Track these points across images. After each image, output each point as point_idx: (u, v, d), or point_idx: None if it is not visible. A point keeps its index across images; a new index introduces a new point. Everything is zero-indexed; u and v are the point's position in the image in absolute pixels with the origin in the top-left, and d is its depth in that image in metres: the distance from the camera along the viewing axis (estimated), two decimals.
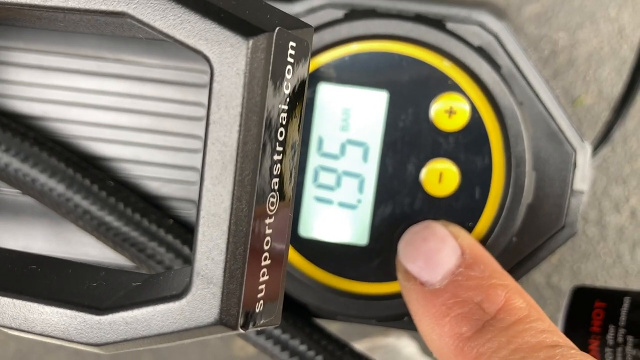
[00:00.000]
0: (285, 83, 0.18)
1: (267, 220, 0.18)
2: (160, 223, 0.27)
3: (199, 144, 0.28)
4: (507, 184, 0.26)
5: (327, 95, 0.26)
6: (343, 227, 0.27)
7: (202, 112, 0.28)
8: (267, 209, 0.18)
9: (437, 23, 0.26)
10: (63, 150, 0.27)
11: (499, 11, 0.29)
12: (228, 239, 0.17)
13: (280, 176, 0.18)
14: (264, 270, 0.18)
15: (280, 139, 0.18)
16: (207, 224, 0.17)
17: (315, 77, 0.26)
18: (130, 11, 0.17)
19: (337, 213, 0.27)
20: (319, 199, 0.27)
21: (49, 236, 0.29)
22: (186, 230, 0.28)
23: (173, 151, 0.29)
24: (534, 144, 0.27)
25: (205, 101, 0.28)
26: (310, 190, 0.27)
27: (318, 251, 0.27)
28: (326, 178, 0.27)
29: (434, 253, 0.24)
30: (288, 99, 0.18)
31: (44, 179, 0.27)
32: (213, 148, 0.16)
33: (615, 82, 0.53)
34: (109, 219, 0.27)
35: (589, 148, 0.28)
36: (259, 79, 0.16)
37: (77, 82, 0.29)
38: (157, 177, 0.29)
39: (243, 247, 0.17)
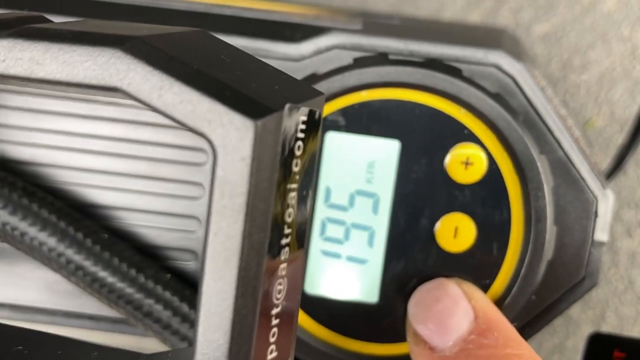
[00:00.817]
0: (295, 161, 0.16)
1: (274, 311, 0.16)
2: (157, 279, 0.25)
3: (197, 191, 0.27)
4: (526, 240, 0.24)
5: (336, 144, 0.25)
6: (352, 283, 0.25)
7: (201, 157, 0.27)
8: (274, 299, 0.16)
9: (452, 69, 0.24)
10: (54, 200, 0.26)
11: (515, 50, 0.27)
12: (231, 339, 0.15)
13: (289, 260, 0.17)
14: None
15: (289, 220, 0.16)
16: (208, 323, 0.15)
17: (323, 126, 0.25)
18: (125, 87, 0.15)
19: (345, 268, 0.25)
20: (326, 253, 0.25)
21: (41, 288, 0.28)
22: (184, 285, 0.26)
23: (171, 198, 0.27)
24: (555, 192, 0.26)
25: (204, 145, 0.27)
26: (317, 244, 0.25)
27: (325, 309, 0.25)
28: (334, 231, 0.25)
29: (446, 317, 0.23)
30: (298, 177, 0.16)
31: (33, 232, 0.25)
32: (215, 240, 0.15)
33: (627, 104, 0.52)
34: (103, 274, 0.25)
35: (611, 196, 0.27)
36: (266, 164, 0.15)
37: (68, 125, 0.27)
38: (154, 226, 0.27)
39: (248, 348, 0.15)
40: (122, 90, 0.15)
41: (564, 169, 0.26)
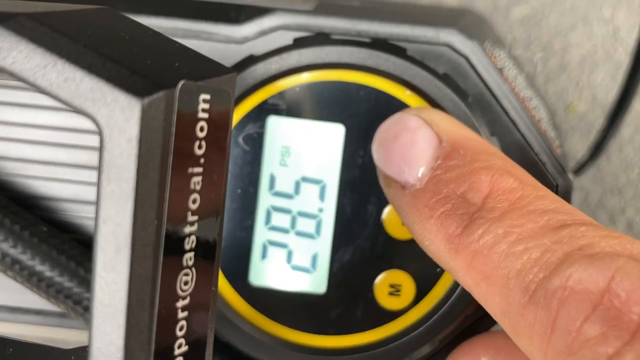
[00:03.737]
0: (197, 143, 0.15)
1: (180, 303, 0.15)
2: None
3: None
4: None
5: (278, 129, 0.24)
6: (298, 273, 0.24)
7: None
8: (179, 290, 0.15)
9: (397, 49, 0.23)
10: None
11: (480, 30, 0.26)
12: (126, 333, 0.14)
13: (197, 249, 0.16)
14: (179, 359, 0.16)
15: (194, 207, 0.15)
16: (101, 316, 0.14)
17: (265, 110, 0.24)
18: (8, 66, 0.14)
19: (291, 258, 0.24)
20: (272, 243, 0.24)
21: None
22: None
23: None
24: None
25: None
26: (262, 234, 0.24)
27: (271, 301, 0.24)
28: (280, 220, 0.24)
29: (408, 149, 0.21)
30: (203, 160, 0.15)
31: None
32: (104, 228, 0.14)
33: (610, 88, 0.50)
34: (41, 268, 0.24)
35: (572, 180, 0.26)
36: (156, 145, 0.14)
37: (8, 115, 0.26)
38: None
39: (145, 340, 0.14)
40: (6, 70, 0.14)
41: (521, 152, 0.25)
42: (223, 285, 0.24)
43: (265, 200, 0.24)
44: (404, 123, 0.21)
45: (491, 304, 0.19)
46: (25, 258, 0.24)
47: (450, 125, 0.22)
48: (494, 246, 0.19)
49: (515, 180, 0.20)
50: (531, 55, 0.48)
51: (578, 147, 0.53)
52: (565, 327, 0.17)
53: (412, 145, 0.21)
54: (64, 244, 0.25)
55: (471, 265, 0.19)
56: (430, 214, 0.20)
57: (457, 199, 0.20)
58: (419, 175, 0.21)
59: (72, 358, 0.17)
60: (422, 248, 0.21)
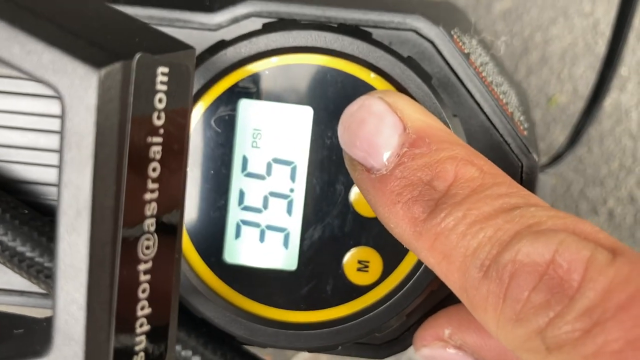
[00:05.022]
0: (155, 114, 0.16)
1: (142, 267, 0.16)
2: None
3: None
4: None
5: (249, 112, 0.25)
6: (271, 251, 0.25)
7: None
8: (141, 254, 0.16)
9: (362, 33, 0.24)
10: None
11: (443, 16, 0.27)
12: (88, 292, 0.15)
13: (158, 216, 0.17)
14: (142, 320, 0.16)
15: (154, 175, 0.16)
16: (64, 276, 0.15)
17: (236, 93, 0.25)
18: None
19: (264, 237, 0.25)
20: (245, 222, 0.25)
21: None
22: None
23: None
24: None
25: None
26: (235, 213, 0.25)
27: (244, 278, 0.25)
28: (252, 200, 0.25)
29: (374, 135, 0.22)
30: (162, 131, 0.16)
31: None
32: (66, 192, 0.15)
33: (590, 80, 0.51)
34: (23, 249, 0.25)
35: (536, 159, 0.26)
36: (113, 114, 0.15)
37: None
38: None
39: (106, 300, 0.15)
40: None
41: (486, 134, 0.26)
42: (198, 263, 0.25)
43: (238, 181, 0.25)
44: (368, 107, 0.22)
45: (451, 281, 0.20)
46: (7, 239, 0.25)
47: (413, 112, 0.22)
48: (454, 228, 0.20)
49: (477, 169, 0.21)
50: (513, 49, 0.49)
51: (560, 138, 0.54)
52: (514, 297, 0.18)
53: (377, 131, 0.22)
54: (45, 226, 0.26)
55: (433, 246, 0.20)
56: (396, 199, 0.21)
57: (424, 186, 0.21)
58: (384, 160, 0.22)
59: (44, 324, 0.18)
60: (386, 227, 0.22)
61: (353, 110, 0.23)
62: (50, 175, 0.27)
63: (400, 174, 0.21)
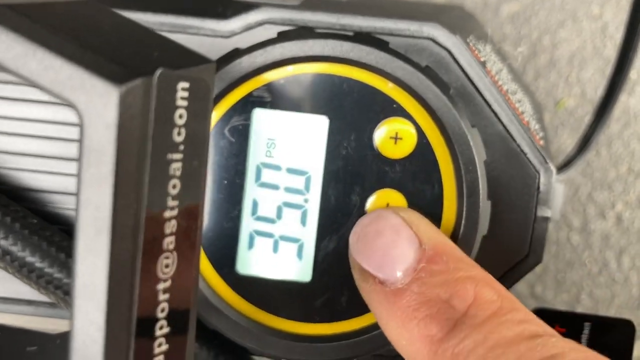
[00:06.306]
0: (176, 130, 0.16)
1: (161, 286, 0.16)
2: None
3: None
4: (459, 215, 0.24)
5: (263, 121, 0.24)
6: (285, 262, 0.25)
7: None
8: (160, 273, 0.16)
9: (379, 42, 0.24)
10: None
11: (458, 23, 0.27)
12: (107, 313, 0.15)
13: (177, 233, 0.16)
14: (161, 340, 0.16)
15: (174, 192, 0.16)
16: (82, 296, 0.15)
17: (250, 102, 0.24)
18: None
19: (278, 247, 0.25)
20: (259, 233, 0.25)
21: None
22: None
23: None
24: (492, 167, 0.25)
25: None
26: (248, 224, 0.25)
27: (257, 290, 0.25)
28: (266, 210, 0.25)
29: (390, 248, 0.22)
30: (182, 147, 0.16)
31: None
32: (84, 211, 0.14)
33: (599, 84, 0.51)
34: (32, 259, 0.25)
35: (553, 169, 0.26)
36: (134, 131, 0.14)
37: None
38: None
39: (125, 321, 0.15)
40: None
41: (503, 143, 0.25)
42: (211, 274, 0.25)
43: (251, 191, 0.25)
44: (385, 221, 0.22)
45: None
46: (16, 249, 0.25)
47: (428, 228, 0.23)
48: (473, 350, 0.20)
49: (495, 293, 0.21)
50: (521, 52, 0.48)
51: (568, 142, 0.53)
52: None
53: (393, 243, 0.22)
54: (54, 236, 0.25)
55: None
56: (413, 315, 0.21)
57: (443, 304, 0.21)
58: (399, 274, 0.22)
59: (58, 341, 0.18)
60: (393, 344, 0.22)
61: (369, 221, 0.23)
62: (58, 183, 0.27)
63: (417, 289, 0.21)
